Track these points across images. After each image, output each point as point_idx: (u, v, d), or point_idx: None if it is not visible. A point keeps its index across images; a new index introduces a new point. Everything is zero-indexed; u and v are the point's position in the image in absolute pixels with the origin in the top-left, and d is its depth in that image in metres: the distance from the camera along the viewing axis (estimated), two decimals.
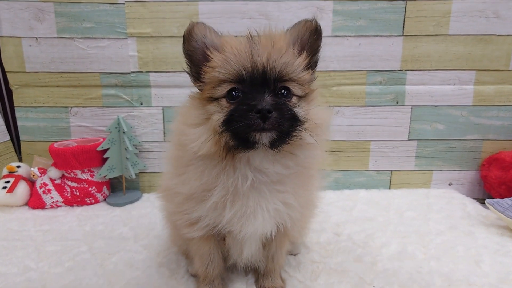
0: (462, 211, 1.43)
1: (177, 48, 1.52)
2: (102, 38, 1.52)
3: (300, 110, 0.73)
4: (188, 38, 0.72)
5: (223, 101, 0.71)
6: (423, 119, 1.63)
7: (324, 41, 1.51)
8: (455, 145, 1.66)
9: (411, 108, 1.61)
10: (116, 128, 1.51)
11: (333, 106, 1.61)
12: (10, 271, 1.00)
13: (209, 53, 0.71)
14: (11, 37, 1.51)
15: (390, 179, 1.71)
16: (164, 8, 1.49)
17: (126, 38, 1.52)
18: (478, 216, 1.39)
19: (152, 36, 1.52)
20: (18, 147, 1.64)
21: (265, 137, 0.68)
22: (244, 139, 0.68)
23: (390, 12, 1.52)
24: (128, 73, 1.56)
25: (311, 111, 0.76)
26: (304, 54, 0.74)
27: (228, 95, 0.70)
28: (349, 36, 1.54)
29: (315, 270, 1.03)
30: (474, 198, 1.59)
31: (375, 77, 1.59)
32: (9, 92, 1.59)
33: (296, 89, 0.73)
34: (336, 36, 1.54)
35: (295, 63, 0.71)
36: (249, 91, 0.68)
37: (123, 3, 1.48)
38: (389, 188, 1.71)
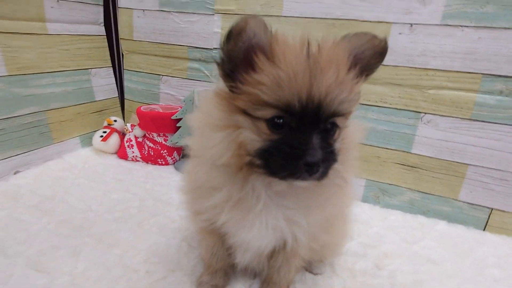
0: None
1: None
2: (193, 13, 1.60)
3: (338, 144, 0.64)
4: (236, 37, 0.56)
5: (262, 125, 0.59)
6: None
7: (429, 30, 1.23)
8: None
9: None
10: (190, 100, 1.61)
11: (424, 113, 1.31)
12: (78, 206, 1.22)
13: (255, 58, 0.57)
14: (126, 8, 1.74)
15: (488, 218, 1.32)
16: None
17: (213, 15, 1.56)
18: None
19: (236, 14, 1.52)
20: (122, 104, 1.95)
21: (304, 184, 0.62)
22: (281, 177, 0.60)
23: None
24: (211, 49, 1.61)
25: (344, 134, 0.65)
26: (362, 80, 0.63)
27: (271, 121, 0.58)
28: (466, 26, 1.19)
29: None
30: None
31: (494, 84, 1.20)
32: (121, 57, 1.87)
33: (342, 122, 0.63)
34: (447, 25, 1.21)
35: (352, 97, 0.60)
36: (297, 127, 0.58)
37: None
38: (483, 230, 1.33)
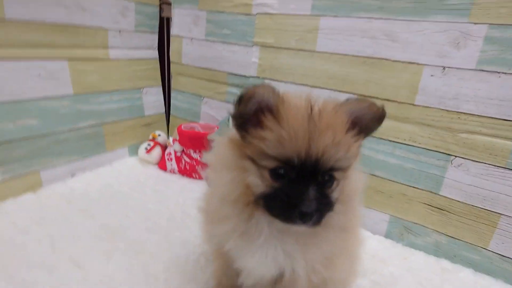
0: None
1: (293, 60, 1.56)
2: (235, 43, 1.73)
3: (336, 193, 0.70)
4: (246, 102, 0.64)
5: (265, 173, 0.66)
6: None
7: (463, 75, 1.24)
8: None
9: None
10: (225, 123, 1.73)
11: (454, 156, 1.27)
12: (117, 212, 1.39)
13: (262, 117, 0.65)
14: (177, 36, 1.94)
15: None
16: (288, 21, 1.54)
17: (252, 46, 1.68)
18: None
19: (273, 47, 1.62)
20: (168, 119, 2.15)
21: (299, 228, 0.69)
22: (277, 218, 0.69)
23: None
24: (248, 76, 1.73)
25: (345, 182, 0.71)
26: (360, 140, 0.68)
27: (273, 171, 0.66)
28: (503, 72, 1.15)
29: None
30: None
31: None
32: (170, 78, 2.07)
33: (340, 175, 0.69)
34: (483, 70, 1.18)
35: (349, 155, 0.66)
36: (295, 179, 0.65)
37: (255, 15, 1.63)
38: None
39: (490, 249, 1.27)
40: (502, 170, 1.20)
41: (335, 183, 0.69)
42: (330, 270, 0.87)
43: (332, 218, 0.72)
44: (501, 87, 1.16)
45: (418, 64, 1.28)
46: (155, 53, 2.00)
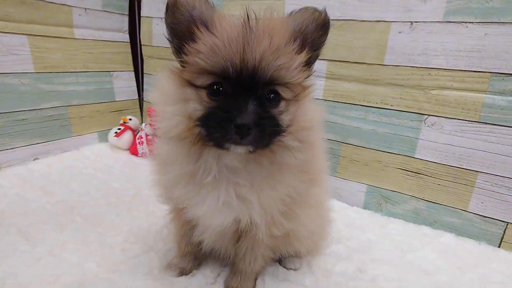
0: None
1: None
2: None
3: (286, 117, 0.64)
4: (172, 9, 0.62)
5: (203, 93, 0.62)
6: None
7: (430, 28, 1.20)
8: None
9: None
10: None
11: (427, 115, 1.23)
12: (78, 191, 1.31)
13: (196, 31, 0.61)
14: (147, 17, 1.89)
15: (503, 234, 1.17)
16: None
17: None
18: None
19: None
20: (141, 105, 2.08)
21: (240, 149, 0.62)
22: (218, 143, 0.62)
23: None
24: None
25: (300, 111, 0.66)
26: (304, 52, 0.63)
27: (210, 89, 0.62)
28: (470, 22, 1.12)
29: None
30: None
31: (504, 84, 1.10)
32: (142, 61, 2.01)
33: (286, 93, 0.63)
34: (450, 22, 1.15)
35: (292, 66, 0.61)
36: (233, 92, 0.60)
37: None
38: (498, 247, 1.18)
39: (470, 211, 1.22)
40: (476, 124, 1.16)
41: (282, 103, 0.63)
42: (293, 221, 0.80)
43: (288, 155, 0.66)
44: (469, 38, 1.13)
45: (385, 21, 1.24)
46: (125, 37, 1.94)
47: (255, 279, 0.90)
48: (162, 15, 1.78)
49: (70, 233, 1.02)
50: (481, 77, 1.13)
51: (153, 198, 1.26)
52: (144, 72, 2.01)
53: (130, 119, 1.87)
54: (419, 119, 1.25)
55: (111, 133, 1.80)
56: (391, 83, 1.27)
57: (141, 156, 1.77)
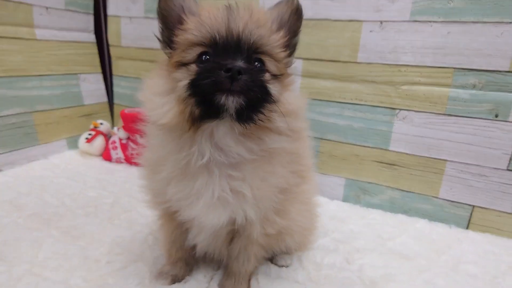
0: None
1: None
2: None
3: (273, 88, 0.67)
4: None
5: (192, 66, 0.66)
6: None
7: (399, 27, 1.25)
8: None
9: None
10: None
11: (399, 109, 1.30)
12: (51, 202, 1.23)
13: (184, 17, 0.69)
14: (114, 16, 1.82)
15: (470, 216, 1.28)
16: None
17: None
18: None
19: None
20: (112, 109, 1.99)
21: (231, 101, 0.62)
22: (209, 103, 0.63)
23: None
24: None
25: (285, 95, 0.70)
26: (282, 32, 0.70)
27: (198, 59, 0.66)
28: (434, 21, 1.20)
29: None
30: None
31: (467, 78, 1.19)
32: (110, 63, 1.93)
33: (271, 65, 0.68)
34: (416, 21, 1.22)
35: (272, 37, 0.67)
36: (221, 55, 0.64)
37: None
38: (466, 228, 1.28)
39: (441, 197, 1.31)
40: (442, 117, 1.24)
41: (267, 75, 0.67)
42: (285, 218, 0.82)
43: (276, 140, 0.69)
44: (434, 36, 1.20)
45: (357, 21, 1.29)
46: (91, 37, 1.85)
47: (249, 280, 0.91)
48: (131, 14, 1.74)
49: (49, 249, 0.97)
50: (445, 73, 1.21)
51: (134, 205, 1.26)
52: (113, 74, 1.93)
53: (101, 124, 1.79)
54: (391, 113, 1.32)
55: (82, 139, 1.71)
56: (365, 80, 1.33)
57: (116, 161, 1.70)
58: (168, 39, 0.71)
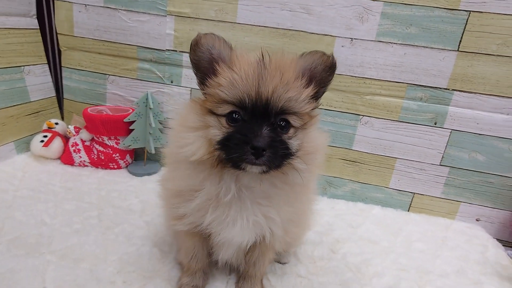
0: (479, 254, 1.31)
1: (212, 31, 1.51)
2: (143, 12, 1.55)
3: (295, 142, 0.73)
4: (194, 48, 0.73)
5: (223, 120, 0.71)
6: (461, 146, 1.47)
7: (366, 45, 1.42)
8: (494, 180, 1.49)
9: (450, 132, 1.46)
10: (144, 103, 1.57)
11: (362, 115, 1.51)
12: (28, 221, 1.13)
13: (216, 66, 0.72)
14: (64, 1, 1.60)
15: (411, 201, 1.60)
16: None
17: (165, 16, 1.54)
18: (496, 264, 1.26)
19: (190, 17, 1.52)
20: (60, 104, 1.79)
21: (255, 169, 0.70)
22: (236, 163, 0.70)
23: (447, 23, 1.34)
24: (163, 50, 1.59)
25: (307, 138, 0.76)
26: (311, 86, 0.73)
27: (229, 116, 0.71)
28: (394, 43, 1.41)
29: (297, 285, 1.03)
30: (502, 241, 1.45)
31: (416, 92, 1.45)
32: (59, 53, 1.71)
33: (295, 121, 0.73)
34: (380, 41, 1.41)
35: (300, 98, 0.71)
36: (249, 120, 0.69)
37: None
38: (408, 211, 1.61)
39: (390, 187, 1.60)
40: (396, 123, 1.50)
41: (291, 130, 0.73)
42: (299, 227, 0.95)
43: (297, 176, 0.76)
44: (393, 55, 1.42)
45: (331, 36, 1.43)
46: (33, 22, 1.60)
47: (261, 280, 1.03)
48: (86, 1, 1.56)
49: (55, 277, 0.92)
50: (400, 87, 1.46)
51: (122, 216, 1.23)
52: (62, 65, 1.72)
53: (56, 124, 1.62)
54: (356, 118, 1.53)
55: (35, 142, 1.53)
56: (335, 89, 1.50)
57: (79, 165, 1.58)
58: (202, 80, 0.75)
